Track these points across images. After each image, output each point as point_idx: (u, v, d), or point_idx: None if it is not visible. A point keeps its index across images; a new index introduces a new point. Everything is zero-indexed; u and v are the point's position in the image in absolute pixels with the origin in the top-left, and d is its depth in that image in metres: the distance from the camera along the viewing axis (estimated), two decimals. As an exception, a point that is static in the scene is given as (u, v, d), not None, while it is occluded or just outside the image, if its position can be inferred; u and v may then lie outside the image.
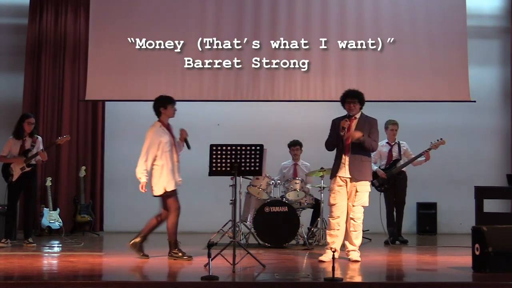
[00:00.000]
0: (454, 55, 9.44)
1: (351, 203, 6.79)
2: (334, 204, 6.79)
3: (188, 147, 7.06)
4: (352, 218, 6.78)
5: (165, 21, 9.51)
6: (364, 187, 6.81)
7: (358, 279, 5.84)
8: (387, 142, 8.77)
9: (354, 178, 6.73)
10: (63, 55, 10.00)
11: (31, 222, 8.33)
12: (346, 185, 6.78)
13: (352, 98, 6.87)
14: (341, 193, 6.78)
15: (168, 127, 7.02)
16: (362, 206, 6.83)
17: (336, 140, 6.85)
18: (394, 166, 8.59)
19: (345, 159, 6.78)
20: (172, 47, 9.48)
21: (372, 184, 8.69)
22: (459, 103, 9.67)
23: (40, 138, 8.31)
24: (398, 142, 8.74)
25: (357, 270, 6.35)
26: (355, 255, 6.75)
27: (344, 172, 6.77)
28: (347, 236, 6.84)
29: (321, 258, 6.72)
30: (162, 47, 9.47)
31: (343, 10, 9.53)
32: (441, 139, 8.42)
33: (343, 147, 6.81)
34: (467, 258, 6.27)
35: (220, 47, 9.48)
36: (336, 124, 6.88)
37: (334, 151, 6.93)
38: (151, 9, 9.53)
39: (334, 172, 6.86)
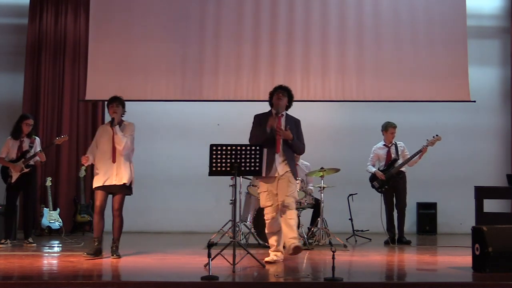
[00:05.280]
0: (454, 55, 9.44)
1: (285, 194, 6.56)
2: (271, 205, 6.65)
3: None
4: (286, 206, 6.56)
5: (165, 21, 9.50)
6: (295, 181, 6.73)
7: (358, 279, 5.84)
8: (384, 144, 8.77)
9: (294, 176, 6.66)
10: (63, 55, 10.00)
11: (31, 222, 8.32)
12: (277, 182, 6.63)
13: (282, 90, 6.84)
14: (273, 193, 6.64)
15: (111, 126, 6.96)
16: (294, 197, 6.69)
17: (262, 137, 6.58)
18: (392, 166, 8.60)
19: (278, 158, 6.62)
20: (172, 47, 9.47)
21: (372, 186, 8.72)
22: (459, 103, 9.67)
23: (38, 139, 8.31)
24: (395, 142, 8.74)
25: (357, 270, 6.36)
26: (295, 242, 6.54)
27: (275, 171, 6.60)
28: (284, 229, 6.60)
29: (268, 259, 6.60)
30: (162, 47, 9.46)
31: (343, 10, 9.52)
32: (436, 135, 8.43)
33: (274, 145, 6.61)
34: (467, 258, 6.28)
35: (220, 47, 9.47)
36: (262, 120, 6.72)
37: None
38: (151, 9, 9.53)
39: (266, 172, 6.54)
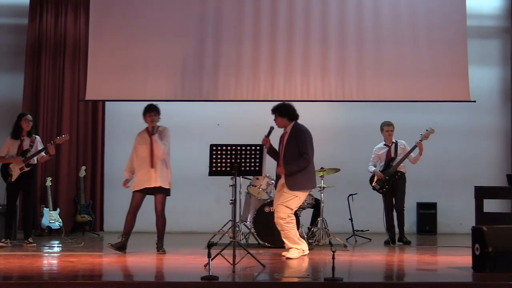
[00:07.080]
0: (454, 55, 9.41)
1: (276, 202, 7.06)
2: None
3: None
4: (277, 217, 7.05)
5: (165, 21, 9.49)
6: (293, 192, 6.98)
7: (358, 279, 5.84)
8: (384, 144, 8.77)
9: (288, 187, 6.96)
10: (63, 55, 10.00)
11: (31, 222, 8.32)
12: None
13: (272, 113, 7.15)
14: (276, 197, 7.17)
15: (149, 134, 7.38)
16: (286, 206, 6.96)
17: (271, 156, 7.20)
18: (390, 165, 8.59)
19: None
20: (172, 47, 9.46)
21: (373, 188, 8.71)
22: (459, 103, 9.66)
23: (38, 137, 8.31)
24: (396, 141, 8.73)
25: (357, 270, 6.37)
26: (286, 253, 6.99)
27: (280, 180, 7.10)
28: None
29: (285, 254, 6.99)
30: (162, 47, 9.45)
31: (343, 10, 9.50)
32: (430, 128, 8.43)
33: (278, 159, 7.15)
34: (467, 258, 6.28)
35: (220, 47, 9.46)
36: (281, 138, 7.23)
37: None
38: (151, 9, 9.51)
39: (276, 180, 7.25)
